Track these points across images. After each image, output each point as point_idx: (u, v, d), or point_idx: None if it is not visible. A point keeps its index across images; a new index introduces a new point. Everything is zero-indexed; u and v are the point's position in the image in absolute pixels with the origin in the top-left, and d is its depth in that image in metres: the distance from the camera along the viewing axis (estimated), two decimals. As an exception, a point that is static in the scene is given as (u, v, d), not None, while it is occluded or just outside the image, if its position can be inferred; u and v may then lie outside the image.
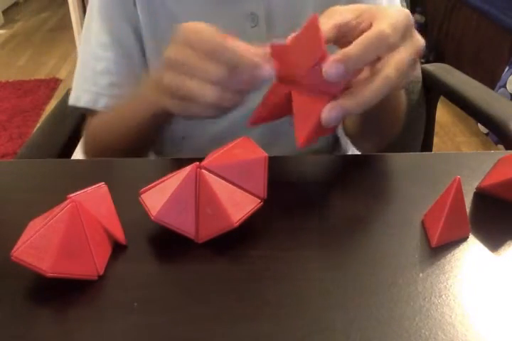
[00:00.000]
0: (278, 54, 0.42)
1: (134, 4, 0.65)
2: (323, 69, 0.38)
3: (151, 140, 0.66)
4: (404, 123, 0.94)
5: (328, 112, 0.39)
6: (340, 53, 0.38)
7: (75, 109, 0.69)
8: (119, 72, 0.67)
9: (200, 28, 0.44)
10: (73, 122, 0.76)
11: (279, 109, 0.44)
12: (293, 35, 0.42)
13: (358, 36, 0.40)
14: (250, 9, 0.65)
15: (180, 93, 0.45)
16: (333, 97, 0.40)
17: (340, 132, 0.76)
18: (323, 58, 0.38)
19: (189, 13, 0.65)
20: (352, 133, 0.72)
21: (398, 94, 0.60)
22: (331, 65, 0.38)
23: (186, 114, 0.48)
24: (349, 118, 0.69)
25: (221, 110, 0.45)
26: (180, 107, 0.47)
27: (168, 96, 0.47)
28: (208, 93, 0.43)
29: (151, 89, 0.52)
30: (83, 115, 0.72)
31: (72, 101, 0.68)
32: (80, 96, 0.67)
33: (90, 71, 0.68)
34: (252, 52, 0.42)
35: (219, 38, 0.42)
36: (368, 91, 0.39)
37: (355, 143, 0.75)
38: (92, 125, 0.67)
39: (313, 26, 0.39)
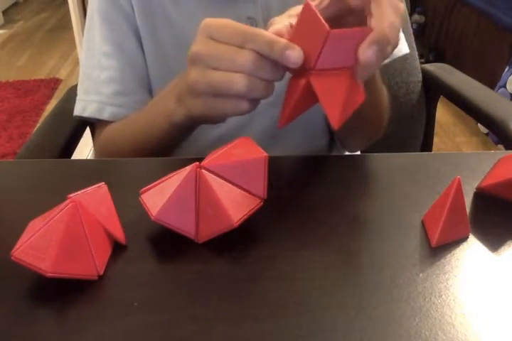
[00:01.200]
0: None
1: (132, 7, 0.65)
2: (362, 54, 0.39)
3: (173, 148, 0.63)
4: (404, 123, 0.94)
5: (364, 53, 0.39)
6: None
7: (80, 117, 0.69)
8: (123, 79, 0.66)
9: (223, 22, 0.44)
10: (73, 122, 0.76)
11: (303, 103, 0.45)
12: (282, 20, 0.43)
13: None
14: (248, 13, 0.65)
15: (208, 88, 0.44)
16: (351, 69, 0.41)
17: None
18: (329, 36, 0.39)
19: (187, 17, 0.65)
20: (338, 131, 0.72)
21: (380, 89, 0.60)
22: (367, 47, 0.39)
23: (217, 113, 0.46)
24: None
25: (252, 103, 0.44)
26: (210, 105, 0.46)
27: (196, 95, 0.46)
28: (237, 81, 0.42)
29: (170, 97, 0.51)
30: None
31: (77, 112, 0.68)
32: (85, 106, 0.67)
33: (94, 81, 0.67)
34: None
35: (246, 27, 0.42)
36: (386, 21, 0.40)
37: (341, 140, 0.76)
38: (105, 136, 0.67)
39: (309, 10, 0.40)
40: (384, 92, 0.63)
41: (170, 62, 0.67)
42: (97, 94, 0.67)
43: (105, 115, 0.66)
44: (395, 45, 0.42)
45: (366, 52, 0.39)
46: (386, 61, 0.69)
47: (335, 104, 0.41)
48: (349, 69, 0.41)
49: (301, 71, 0.42)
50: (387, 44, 0.40)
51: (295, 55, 0.41)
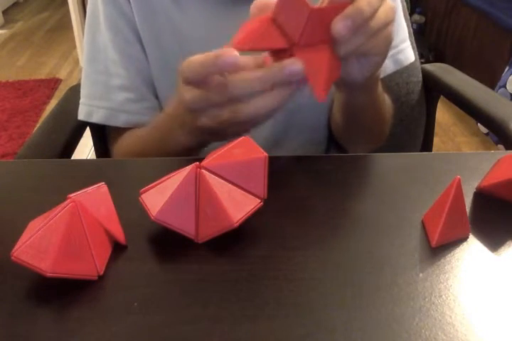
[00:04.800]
0: (267, 29, 0.43)
1: (133, 13, 0.65)
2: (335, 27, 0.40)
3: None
4: (404, 123, 0.94)
5: (335, 26, 0.41)
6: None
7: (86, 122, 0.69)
8: (134, 87, 0.66)
9: (189, 61, 0.45)
10: (73, 122, 0.76)
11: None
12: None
13: None
14: None
15: (219, 126, 0.47)
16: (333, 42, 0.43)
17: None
18: (311, 13, 0.40)
19: (191, 22, 0.65)
20: (340, 136, 0.73)
21: (380, 96, 0.60)
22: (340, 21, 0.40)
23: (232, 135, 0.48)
24: (335, 122, 0.70)
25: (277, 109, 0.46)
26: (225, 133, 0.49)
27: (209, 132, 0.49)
28: (244, 111, 0.45)
29: (178, 130, 0.54)
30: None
31: (82, 116, 0.68)
32: (91, 112, 0.67)
33: (102, 87, 0.67)
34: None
35: (207, 56, 0.44)
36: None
37: (345, 146, 0.76)
38: (124, 144, 0.68)
39: None
40: (386, 100, 0.63)
41: (174, 68, 0.66)
42: (107, 101, 0.66)
43: (119, 122, 0.66)
44: (383, 26, 0.43)
45: (337, 26, 0.40)
46: (393, 68, 0.69)
47: (319, 76, 0.43)
48: (330, 43, 0.43)
49: (282, 50, 0.44)
50: (362, 19, 0.41)
51: (228, 59, 0.42)
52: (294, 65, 0.42)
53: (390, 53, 0.62)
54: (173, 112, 0.55)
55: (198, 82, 0.46)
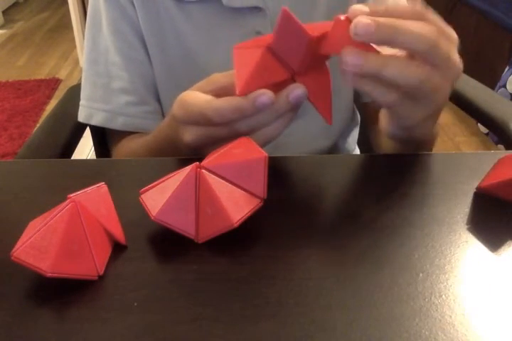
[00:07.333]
0: (267, 64, 0.42)
1: (137, 17, 0.65)
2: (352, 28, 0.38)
3: None
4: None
5: (356, 26, 0.38)
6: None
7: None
8: (135, 90, 0.66)
9: (184, 105, 0.46)
10: (73, 122, 0.76)
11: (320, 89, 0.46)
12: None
13: None
14: (256, 28, 0.64)
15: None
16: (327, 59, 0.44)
17: (338, 132, 0.76)
18: (311, 41, 0.40)
19: (197, 29, 0.65)
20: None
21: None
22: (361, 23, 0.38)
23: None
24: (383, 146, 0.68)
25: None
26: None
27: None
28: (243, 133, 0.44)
29: (175, 144, 0.53)
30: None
31: (82, 118, 0.68)
32: (91, 114, 0.67)
33: (102, 89, 0.67)
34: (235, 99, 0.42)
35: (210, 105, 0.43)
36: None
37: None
38: (125, 148, 0.67)
39: (287, 18, 0.40)
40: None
41: (177, 73, 0.66)
42: (107, 103, 0.66)
43: (117, 125, 0.66)
44: None
45: None
46: None
47: (324, 100, 0.44)
48: (326, 64, 0.44)
49: (285, 79, 0.43)
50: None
51: (263, 101, 0.42)
52: (297, 89, 0.42)
53: None
54: (171, 143, 0.54)
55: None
